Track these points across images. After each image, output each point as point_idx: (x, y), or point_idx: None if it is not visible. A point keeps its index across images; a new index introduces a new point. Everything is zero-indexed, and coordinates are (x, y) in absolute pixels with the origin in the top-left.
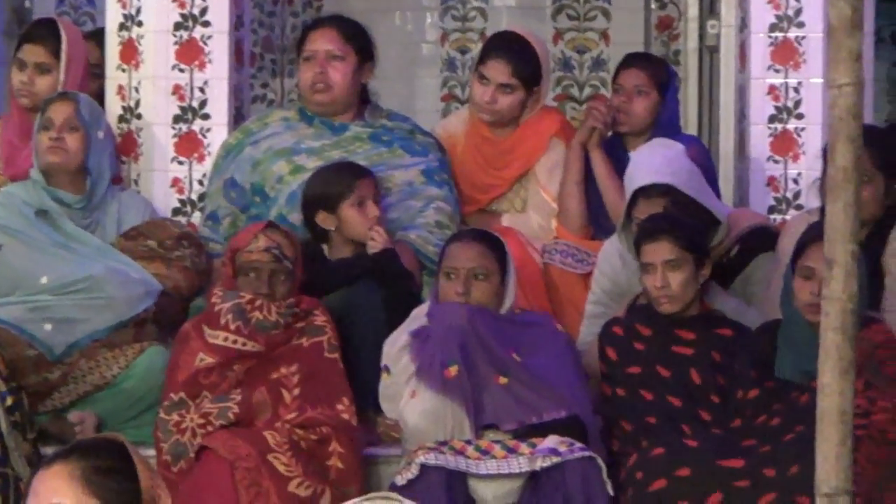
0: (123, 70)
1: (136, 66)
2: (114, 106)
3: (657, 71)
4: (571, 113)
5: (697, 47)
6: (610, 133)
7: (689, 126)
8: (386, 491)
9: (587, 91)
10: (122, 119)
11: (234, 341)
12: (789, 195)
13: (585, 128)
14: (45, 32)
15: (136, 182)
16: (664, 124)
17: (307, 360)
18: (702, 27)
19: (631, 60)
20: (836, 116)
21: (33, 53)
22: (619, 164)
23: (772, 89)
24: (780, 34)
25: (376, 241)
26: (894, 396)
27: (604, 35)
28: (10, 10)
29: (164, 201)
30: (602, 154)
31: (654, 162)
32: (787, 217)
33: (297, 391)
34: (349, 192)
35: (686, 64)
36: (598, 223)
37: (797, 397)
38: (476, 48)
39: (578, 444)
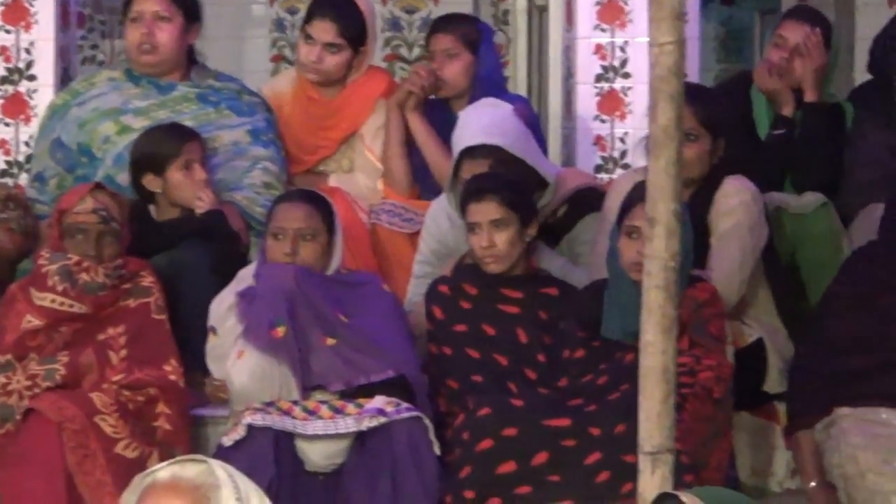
0: None
1: None
2: None
3: (466, 31)
4: (401, 73)
5: (526, 7)
6: (433, 95)
7: (519, 86)
8: (214, 451)
9: (416, 51)
10: None
11: (61, 303)
12: (616, 154)
13: (402, 91)
14: None
15: None
16: (484, 82)
17: (134, 322)
18: None
19: (436, 25)
20: (658, 75)
21: None
22: (445, 125)
23: (598, 48)
24: None
25: (203, 202)
26: (719, 354)
27: None
28: None
29: None
30: (419, 117)
31: (481, 122)
32: (614, 176)
33: (123, 352)
34: (176, 155)
35: (515, 24)
36: (424, 183)
37: (623, 356)
38: (305, 9)
39: (405, 404)
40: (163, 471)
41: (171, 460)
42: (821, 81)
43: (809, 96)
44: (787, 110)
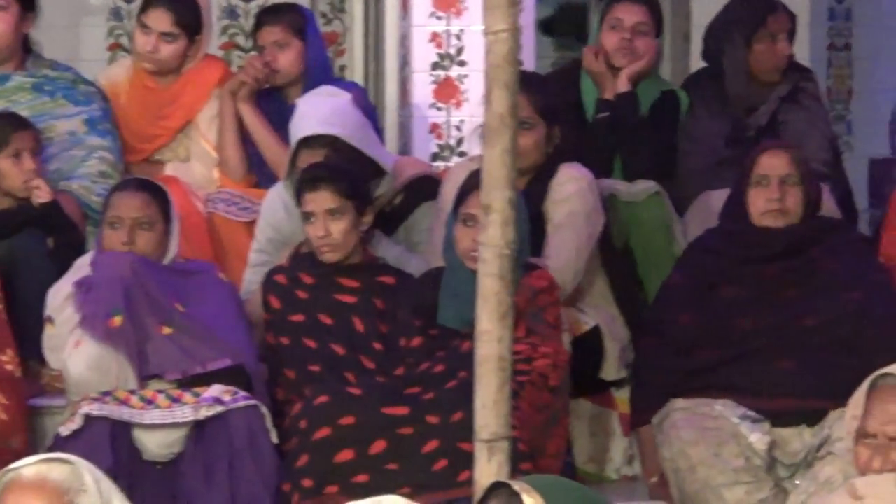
0: None
1: None
2: None
3: (292, 19)
4: (238, 62)
5: None
6: (267, 85)
7: (356, 74)
8: (51, 442)
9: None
10: None
11: None
12: (452, 142)
13: (235, 80)
14: None
15: None
16: (315, 67)
17: None
18: None
19: (262, 18)
20: (493, 63)
21: None
22: (280, 114)
23: (434, 37)
24: None
25: (41, 191)
26: (556, 342)
27: None
28: None
29: None
30: (250, 107)
31: (318, 112)
32: (451, 164)
33: None
34: (5, 144)
35: (352, 12)
36: (261, 172)
37: (459, 344)
38: None
39: (242, 393)
40: (28, 468)
41: (37, 458)
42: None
43: (622, 86)
44: (609, 93)
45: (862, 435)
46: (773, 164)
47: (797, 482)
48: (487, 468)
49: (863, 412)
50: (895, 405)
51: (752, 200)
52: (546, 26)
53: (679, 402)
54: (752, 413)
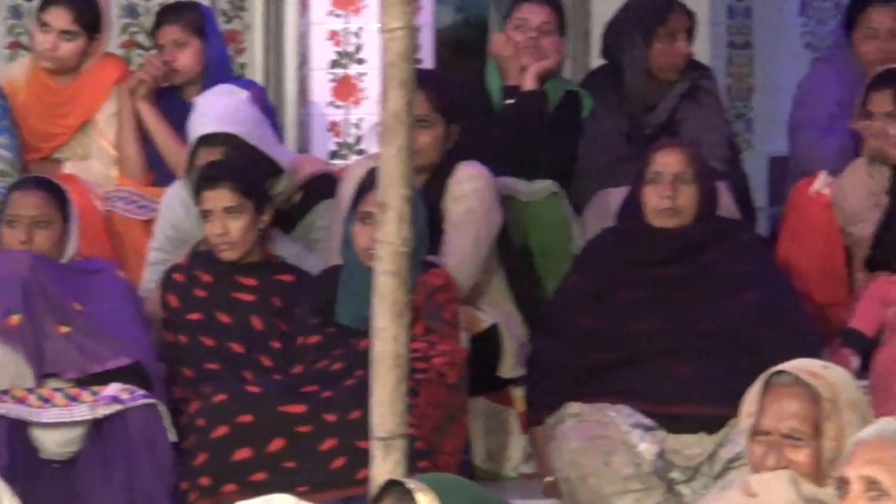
0: None
1: None
2: None
3: (190, 18)
4: (139, 60)
5: None
6: (167, 83)
7: (256, 72)
8: None
9: None
10: None
11: None
12: (351, 140)
13: (134, 79)
14: None
15: None
16: (214, 65)
17: None
18: None
19: (161, 17)
20: (389, 61)
21: None
22: (179, 112)
23: (333, 35)
24: None
25: None
26: (453, 340)
27: None
28: None
29: None
30: (149, 106)
31: (216, 110)
32: (349, 162)
33: None
34: None
35: (252, 10)
36: (159, 170)
37: (357, 342)
38: None
39: (140, 391)
40: None
41: None
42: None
43: (529, 84)
44: (515, 80)
45: (756, 432)
46: (666, 161)
47: (714, 491)
48: (384, 466)
49: (757, 410)
50: (788, 402)
51: (646, 199)
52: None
53: (573, 408)
54: (646, 421)
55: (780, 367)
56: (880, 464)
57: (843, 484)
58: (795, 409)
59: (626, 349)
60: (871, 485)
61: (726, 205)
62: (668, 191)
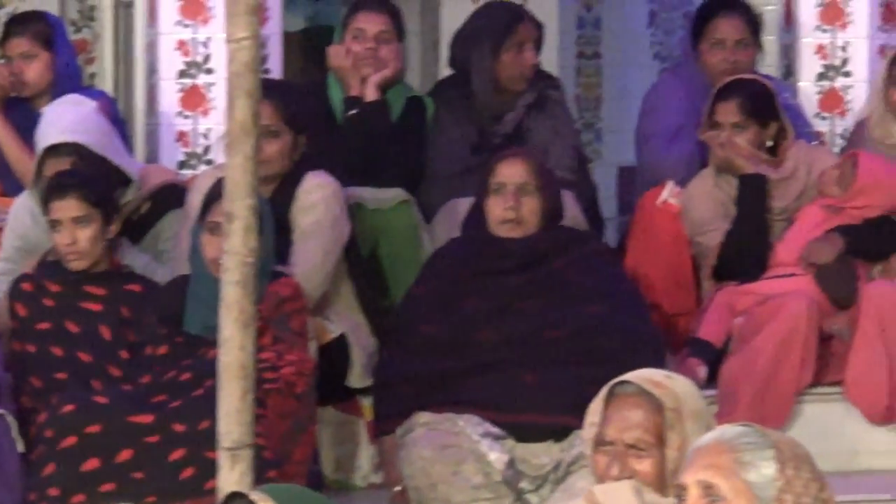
0: None
1: None
2: None
3: (39, 30)
4: None
5: (112, 3)
6: (15, 94)
7: (106, 82)
8: None
9: None
10: None
11: None
12: (199, 150)
13: None
14: None
15: None
16: (64, 79)
17: None
18: None
19: (8, 29)
20: (235, 71)
21: None
22: (28, 123)
23: (181, 44)
24: None
25: None
26: (302, 350)
27: None
28: None
29: None
30: None
31: (64, 120)
32: (198, 172)
33: None
34: None
35: (102, 20)
36: (7, 180)
37: (206, 352)
38: None
39: None
40: None
41: None
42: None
43: (370, 94)
44: (356, 91)
45: (600, 442)
46: (509, 172)
47: (556, 494)
48: (230, 476)
49: (600, 420)
50: (632, 412)
51: (490, 209)
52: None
53: (422, 417)
54: (494, 430)
55: (623, 377)
56: (716, 468)
57: (681, 490)
58: (639, 419)
59: (472, 358)
60: (707, 490)
61: (573, 214)
62: (511, 201)
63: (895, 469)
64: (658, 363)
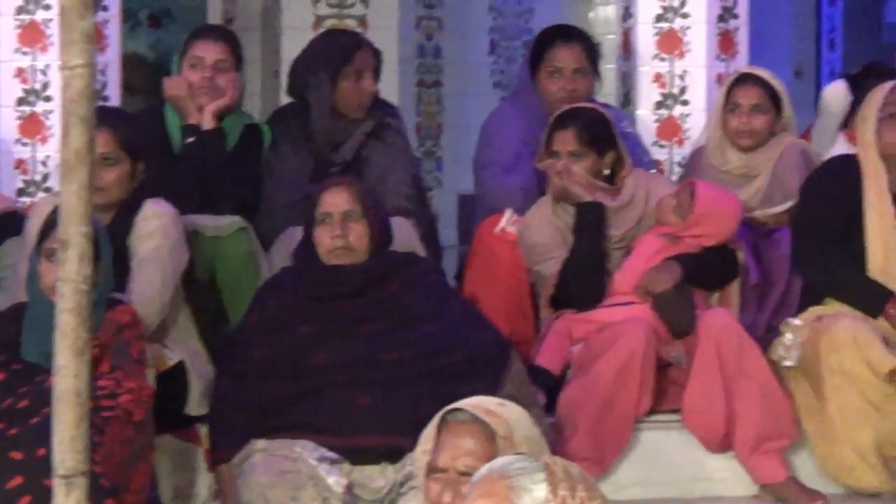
0: None
1: None
2: None
3: None
4: None
5: None
6: None
7: None
8: None
9: None
10: None
11: None
12: (38, 178)
13: None
14: None
15: None
16: None
17: None
18: None
19: None
20: (69, 98)
21: None
22: None
23: (20, 72)
24: (26, 16)
25: None
26: (140, 377)
27: None
28: None
29: None
30: None
31: None
32: (36, 200)
33: None
34: None
35: None
36: None
37: (44, 380)
38: None
39: None
40: None
41: None
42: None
43: (207, 123)
44: (194, 119)
45: (432, 469)
46: (333, 201)
47: None
48: None
49: (433, 447)
50: (464, 440)
51: (319, 239)
52: None
53: (259, 444)
54: (330, 454)
55: (456, 404)
56: (490, 497)
57: None
58: (471, 446)
59: (306, 383)
60: None
61: (412, 243)
62: (338, 230)
63: (732, 496)
64: (504, 363)
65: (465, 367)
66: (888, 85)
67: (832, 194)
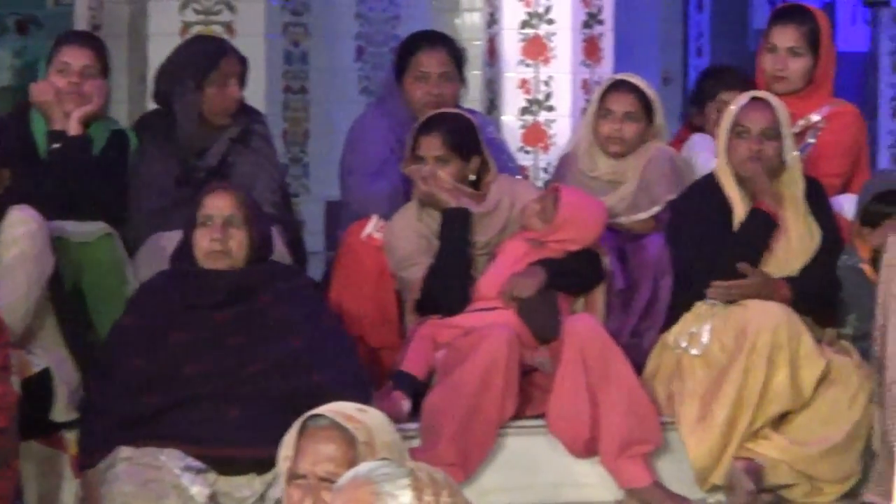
0: None
1: None
2: None
3: None
4: None
5: None
6: None
7: None
8: None
9: None
10: None
11: None
12: None
13: None
14: None
15: None
16: None
17: None
18: None
19: None
20: None
21: None
22: None
23: None
24: None
25: None
26: (4, 384)
27: None
28: None
29: None
30: None
31: None
32: None
33: None
34: None
35: None
36: None
37: None
38: None
39: None
40: None
41: None
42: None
43: (73, 129)
44: (60, 125)
45: (293, 476)
46: (216, 204)
47: None
48: None
49: (294, 453)
50: (324, 446)
51: (197, 241)
52: None
53: (124, 452)
54: (196, 463)
55: (316, 410)
56: (356, 502)
57: None
58: (331, 452)
59: (177, 392)
60: None
61: (278, 249)
62: (218, 233)
63: (598, 501)
64: (362, 398)
65: (325, 388)
66: (740, 100)
67: (701, 212)
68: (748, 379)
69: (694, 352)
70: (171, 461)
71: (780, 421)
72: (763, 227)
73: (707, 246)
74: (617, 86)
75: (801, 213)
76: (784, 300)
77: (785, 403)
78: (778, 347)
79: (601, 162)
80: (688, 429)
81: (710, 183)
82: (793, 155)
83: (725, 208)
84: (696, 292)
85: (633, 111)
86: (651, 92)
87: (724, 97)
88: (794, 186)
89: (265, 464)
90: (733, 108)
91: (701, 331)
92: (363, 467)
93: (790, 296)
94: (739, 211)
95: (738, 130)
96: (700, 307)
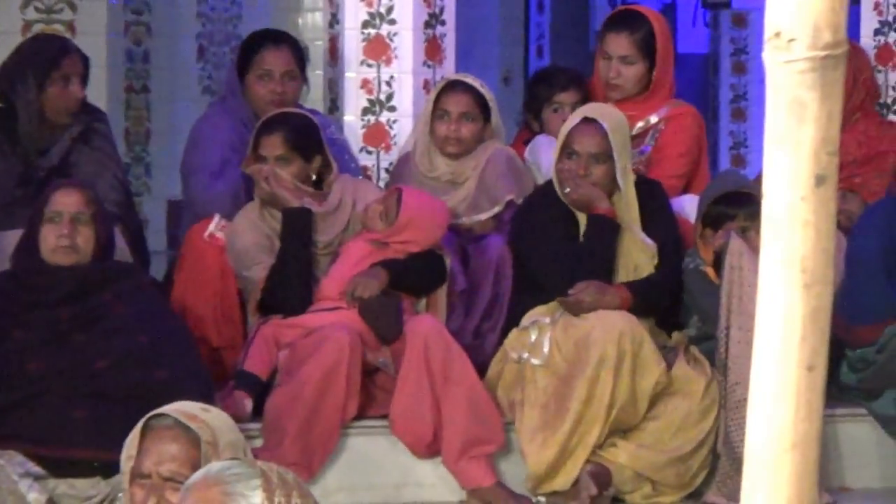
0: None
1: None
2: None
3: None
4: None
5: None
6: None
7: None
8: None
9: None
10: None
11: None
12: None
13: None
14: None
15: None
16: None
17: None
18: None
19: None
20: None
21: None
22: None
23: None
24: None
25: None
26: None
27: None
28: None
29: None
30: None
31: None
32: None
33: None
34: None
35: None
36: None
37: None
38: None
39: None
40: None
41: None
42: None
43: None
44: None
45: (136, 475)
46: (64, 201)
47: None
48: None
49: (137, 453)
50: (168, 445)
51: (44, 237)
52: None
53: None
54: (35, 469)
55: (159, 409)
56: (206, 502)
57: None
58: (174, 451)
59: (20, 391)
60: None
61: (120, 247)
62: (66, 230)
63: (440, 502)
64: (204, 397)
65: (167, 387)
66: (572, 119)
67: (546, 224)
68: (594, 391)
69: (535, 361)
70: (10, 466)
71: (629, 429)
72: (607, 231)
73: (556, 259)
74: (452, 86)
75: (636, 237)
76: (624, 305)
77: (629, 411)
78: (622, 356)
79: (439, 162)
80: (527, 436)
81: (552, 190)
82: (628, 178)
83: (570, 216)
84: (545, 301)
85: (469, 111)
86: (486, 92)
87: (558, 99)
88: (628, 211)
89: (111, 466)
90: (564, 128)
91: (542, 340)
92: (214, 466)
93: (630, 299)
94: (583, 219)
95: (567, 152)
96: (540, 311)
